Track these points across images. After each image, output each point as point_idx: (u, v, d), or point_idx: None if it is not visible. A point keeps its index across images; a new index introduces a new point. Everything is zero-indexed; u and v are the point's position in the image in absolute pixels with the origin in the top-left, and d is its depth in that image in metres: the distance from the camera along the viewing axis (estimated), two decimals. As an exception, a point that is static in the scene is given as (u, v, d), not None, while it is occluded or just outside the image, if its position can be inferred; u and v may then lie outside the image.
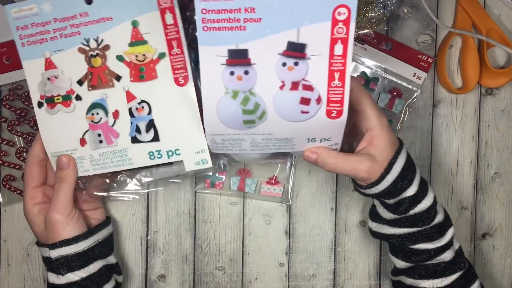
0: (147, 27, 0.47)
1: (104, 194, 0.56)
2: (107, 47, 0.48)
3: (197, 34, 0.42)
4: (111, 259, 0.56)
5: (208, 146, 0.49)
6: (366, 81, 0.62)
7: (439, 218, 0.51)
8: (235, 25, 0.42)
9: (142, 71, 0.48)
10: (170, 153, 0.50)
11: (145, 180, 0.54)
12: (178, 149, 0.50)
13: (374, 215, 0.54)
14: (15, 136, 0.59)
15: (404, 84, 0.63)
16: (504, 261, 0.66)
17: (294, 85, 0.44)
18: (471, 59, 0.63)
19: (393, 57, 0.62)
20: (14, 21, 0.48)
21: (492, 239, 0.66)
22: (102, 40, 0.48)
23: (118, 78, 0.49)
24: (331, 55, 0.43)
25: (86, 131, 0.49)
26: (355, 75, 0.62)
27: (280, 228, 0.64)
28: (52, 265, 0.50)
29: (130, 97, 0.49)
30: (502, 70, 0.63)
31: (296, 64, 0.43)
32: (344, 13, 0.41)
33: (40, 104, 0.49)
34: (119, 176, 0.54)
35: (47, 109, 0.49)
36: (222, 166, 0.59)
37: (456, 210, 0.65)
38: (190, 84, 0.48)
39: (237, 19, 0.41)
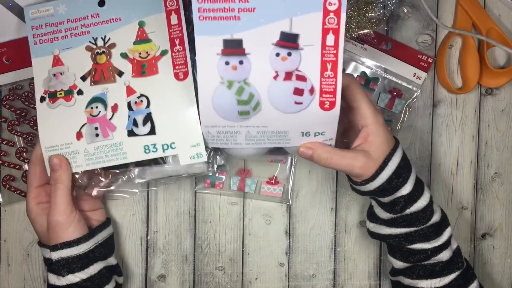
0: (152, 27, 0.50)
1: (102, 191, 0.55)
2: (113, 45, 0.51)
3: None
4: (112, 261, 0.56)
5: (204, 140, 0.49)
6: (366, 81, 0.62)
7: (436, 217, 0.51)
8: (229, 14, 0.43)
9: (144, 67, 0.50)
10: (165, 147, 0.50)
11: (138, 180, 0.54)
12: (173, 142, 0.50)
13: (372, 216, 0.54)
14: (15, 136, 0.59)
15: (404, 84, 0.63)
16: (504, 261, 0.66)
17: (288, 75, 0.45)
18: (471, 59, 0.63)
19: (393, 57, 0.62)
20: (31, 21, 0.51)
21: (492, 239, 0.66)
22: (109, 39, 0.51)
23: (121, 73, 0.51)
24: (323, 45, 0.44)
25: (84, 125, 0.50)
26: (355, 75, 0.62)
27: (280, 228, 0.64)
28: (53, 266, 0.50)
29: (130, 91, 0.50)
30: (502, 70, 0.63)
31: (289, 54, 0.44)
32: (334, 3, 0.42)
33: (42, 99, 0.51)
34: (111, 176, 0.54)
35: (49, 103, 0.51)
36: (216, 167, 0.60)
37: (456, 210, 0.65)
38: (190, 79, 0.50)
39: (232, 8, 0.42)
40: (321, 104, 0.45)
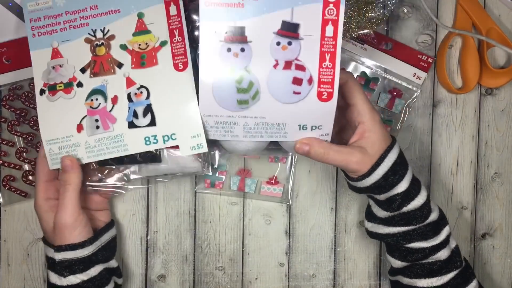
0: (151, 18, 0.50)
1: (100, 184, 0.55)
2: (112, 37, 0.50)
3: (199, 8, 0.45)
4: (113, 263, 0.56)
5: (204, 131, 0.49)
6: (366, 81, 0.62)
7: (433, 216, 0.51)
8: (234, 1, 0.44)
9: (144, 58, 0.50)
10: (166, 138, 0.50)
11: (133, 176, 0.54)
12: (174, 133, 0.50)
13: (370, 215, 0.55)
14: (15, 136, 0.59)
15: (404, 84, 0.63)
16: (504, 261, 0.66)
17: (287, 64, 0.46)
18: (471, 59, 0.63)
19: (393, 57, 0.62)
20: (29, 14, 0.50)
21: (492, 239, 0.66)
22: (108, 31, 0.50)
23: (120, 65, 0.50)
24: (323, 36, 0.45)
25: (84, 117, 0.50)
26: (355, 75, 0.62)
27: (280, 228, 0.64)
28: (55, 266, 0.50)
29: (130, 83, 0.50)
30: (502, 70, 0.63)
31: (289, 43, 0.45)
32: None
33: (42, 92, 0.51)
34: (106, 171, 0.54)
35: (48, 96, 0.51)
36: (211, 167, 0.60)
37: (456, 210, 0.65)
38: (189, 69, 0.50)
39: None
40: (319, 95, 0.46)
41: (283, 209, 0.64)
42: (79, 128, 0.50)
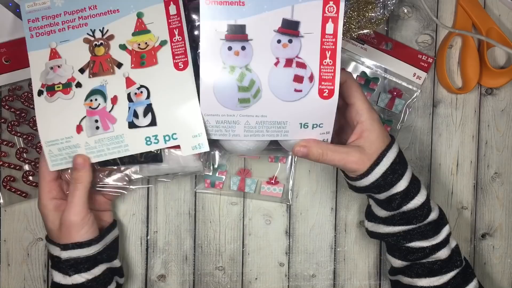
0: (151, 17, 0.50)
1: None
2: (111, 37, 0.50)
3: (199, 7, 0.45)
4: (116, 263, 0.56)
5: (205, 130, 0.49)
6: (366, 81, 0.62)
7: (433, 215, 0.51)
8: None
9: (143, 58, 0.50)
10: (167, 138, 0.50)
11: (134, 176, 0.54)
12: (175, 133, 0.50)
13: (370, 215, 0.55)
14: (15, 137, 0.59)
15: (404, 84, 0.63)
16: (504, 261, 0.66)
17: (288, 62, 0.46)
18: (471, 59, 0.63)
19: (393, 57, 0.62)
20: (27, 14, 0.50)
21: (492, 239, 0.66)
22: (107, 31, 0.50)
23: (120, 65, 0.50)
24: (323, 33, 0.45)
25: (83, 118, 0.50)
26: (355, 75, 0.62)
27: (280, 228, 0.64)
28: (61, 265, 0.50)
29: (129, 82, 0.50)
30: (502, 70, 0.63)
31: (290, 41, 0.46)
32: None
33: (40, 93, 0.50)
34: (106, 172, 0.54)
35: (47, 97, 0.50)
36: (212, 167, 0.60)
37: (456, 210, 0.65)
38: (190, 68, 0.50)
39: None
40: (320, 92, 0.46)
41: (283, 209, 0.64)
42: (79, 129, 0.50)
